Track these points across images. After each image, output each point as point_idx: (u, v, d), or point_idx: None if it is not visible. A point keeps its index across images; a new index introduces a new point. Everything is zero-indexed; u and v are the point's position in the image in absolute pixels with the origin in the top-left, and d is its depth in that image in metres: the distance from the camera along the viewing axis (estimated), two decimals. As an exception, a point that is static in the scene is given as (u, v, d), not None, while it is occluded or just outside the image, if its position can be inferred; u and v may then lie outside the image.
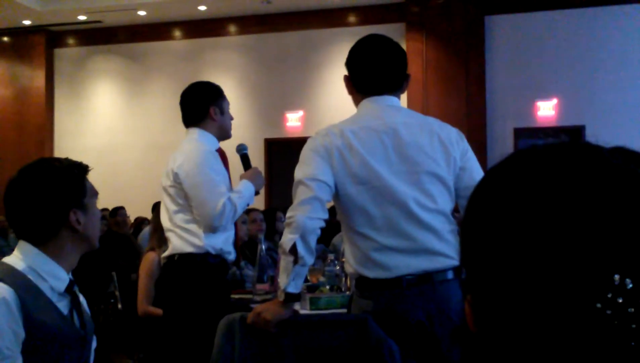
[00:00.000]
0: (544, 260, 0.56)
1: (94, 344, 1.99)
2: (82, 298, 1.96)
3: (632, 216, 0.56)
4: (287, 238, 2.26)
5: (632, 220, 0.55)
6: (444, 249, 2.31)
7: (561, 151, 0.62)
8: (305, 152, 2.35)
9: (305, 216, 2.24)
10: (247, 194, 3.18)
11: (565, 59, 9.61)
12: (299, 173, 2.32)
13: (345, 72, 2.48)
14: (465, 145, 2.42)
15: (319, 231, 2.30)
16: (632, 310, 0.54)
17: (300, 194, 2.29)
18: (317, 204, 2.26)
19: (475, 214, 0.63)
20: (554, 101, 9.72)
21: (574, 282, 0.54)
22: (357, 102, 2.47)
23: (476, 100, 9.70)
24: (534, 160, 0.62)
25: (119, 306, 4.47)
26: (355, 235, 2.32)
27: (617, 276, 0.54)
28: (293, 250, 2.24)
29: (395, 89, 2.43)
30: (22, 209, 1.85)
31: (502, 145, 9.57)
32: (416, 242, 2.27)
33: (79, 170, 1.92)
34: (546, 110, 9.74)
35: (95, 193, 1.96)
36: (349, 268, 2.40)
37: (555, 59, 9.64)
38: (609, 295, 0.54)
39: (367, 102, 2.42)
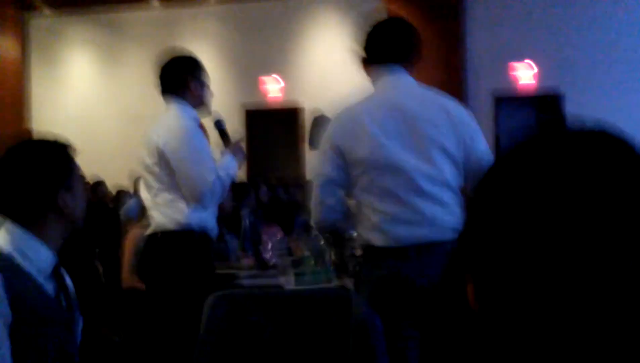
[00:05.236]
0: (560, 243, 0.57)
1: (80, 325, 1.99)
2: (67, 279, 1.96)
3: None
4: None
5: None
6: (450, 221, 2.40)
7: (584, 139, 0.62)
8: (320, 148, 2.51)
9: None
10: (232, 169, 3.17)
11: (547, 24, 9.59)
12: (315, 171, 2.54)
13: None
14: (475, 126, 2.51)
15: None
16: None
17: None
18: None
19: (488, 194, 0.63)
20: (534, 66, 9.74)
21: (590, 262, 0.56)
22: (372, 78, 2.57)
23: (454, 66, 9.68)
24: (556, 146, 0.62)
25: (102, 280, 4.47)
26: (365, 207, 2.42)
27: None
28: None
29: (405, 64, 2.53)
30: (9, 191, 1.83)
31: (480, 112, 9.59)
32: (424, 214, 2.36)
33: (67, 151, 1.90)
34: (525, 76, 9.77)
35: (81, 173, 1.96)
36: (359, 238, 2.54)
37: (537, 24, 9.62)
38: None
39: (382, 78, 2.52)
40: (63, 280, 1.91)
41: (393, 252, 2.37)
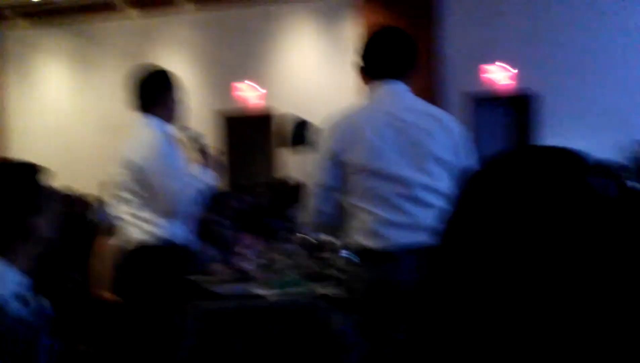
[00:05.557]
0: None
1: (55, 347, 1.96)
2: (41, 299, 1.93)
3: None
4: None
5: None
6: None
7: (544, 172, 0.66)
8: (318, 153, 2.55)
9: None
10: (206, 178, 3.20)
11: (523, 25, 9.66)
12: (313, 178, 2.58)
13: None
14: (466, 135, 2.61)
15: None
16: None
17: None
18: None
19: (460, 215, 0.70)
20: (509, 66, 9.81)
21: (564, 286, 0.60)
22: (369, 88, 2.64)
23: (430, 68, 9.72)
24: (522, 178, 0.66)
25: (77, 293, 4.44)
26: (359, 210, 2.48)
27: None
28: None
29: (403, 76, 2.60)
30: None
31: (455, 112, 9.63)
32: (418, 220, 2.44)
33: (36, 174, 1.87)
34: (500, 76, 9.84)
35: (52, 194, 1.93)
36: (348, 240, 2.56)
37: (512, 25, 9.67)
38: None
39: (378, 88, 2.58)
40: (30, 301, 1.88)
41: (386, 255, 2.44)
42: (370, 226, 2.45)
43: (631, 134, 9.29)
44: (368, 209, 2.46)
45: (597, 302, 0.61)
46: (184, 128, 3.34)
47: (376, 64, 2.60)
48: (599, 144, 9.27)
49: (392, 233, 2.44)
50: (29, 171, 1.87)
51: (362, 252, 2.50)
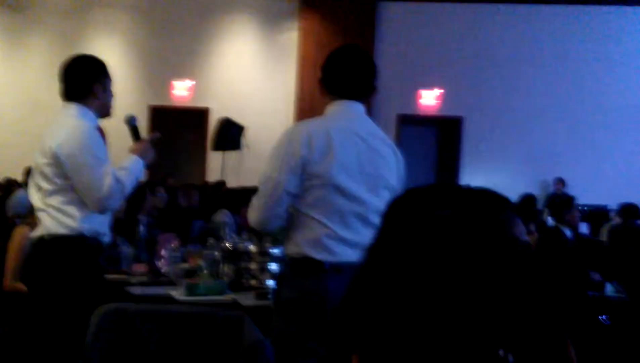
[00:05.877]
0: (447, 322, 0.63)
1: None
2: None
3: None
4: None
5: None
6: None
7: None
8: (276, 154, 2.53)
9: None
10: (136, 170, 3.10)
11: (453, 50, 9.94)
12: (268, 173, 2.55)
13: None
14: (403, 162, 2.72)
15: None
16: None
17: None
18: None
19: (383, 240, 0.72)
20: (438, 90, 10.06)
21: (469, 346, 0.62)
22: (330, 101, 2.66)
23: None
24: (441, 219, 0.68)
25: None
26: (313, 221, 2.52)
27: (501, 352, 0.61)
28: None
29: (364, 97, 2.66)
30: None
31: (385, 131, 9.80)
32: (364, 239, 2.45)
33: None
34: (429, 99, 10.08)
35: None
36: (293, 248, 2.56)
37: (443, 50, 9.95)
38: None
39: (340, 106, 2.62)
40: None
41: (328, 269, 2.48)
42: (321, 239, 2.49)
43: (550, 168, 9.66)
44: (323, 222, 2.50)
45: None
46: (128, 117, 3.26)
47: (341, 82, 2.63)
48: (519, 173, 9.64)
49: (340, 249, 2.49)
50: None
51: (303, 262, 2.51)
